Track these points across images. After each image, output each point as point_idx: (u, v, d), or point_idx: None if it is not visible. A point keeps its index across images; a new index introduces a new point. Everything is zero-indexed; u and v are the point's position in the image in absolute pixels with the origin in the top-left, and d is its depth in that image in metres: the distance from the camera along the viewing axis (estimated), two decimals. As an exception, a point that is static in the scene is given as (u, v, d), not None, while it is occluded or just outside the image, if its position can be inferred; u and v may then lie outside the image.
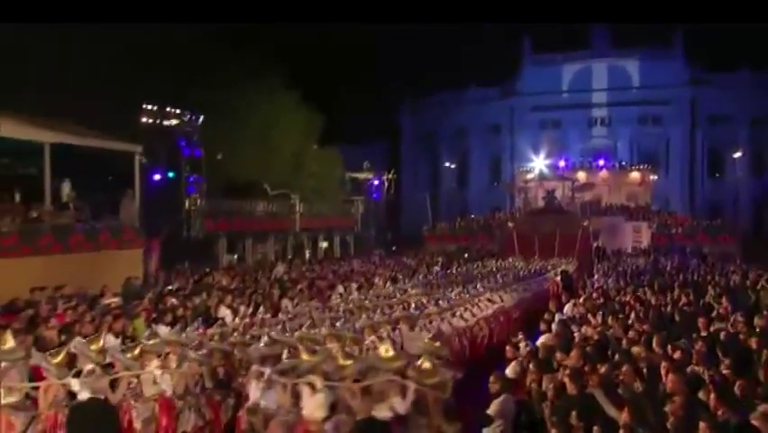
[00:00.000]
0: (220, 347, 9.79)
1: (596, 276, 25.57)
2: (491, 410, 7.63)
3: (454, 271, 25.12)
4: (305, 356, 7.91)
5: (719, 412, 6.56)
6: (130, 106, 28.07)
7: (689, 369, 8.49)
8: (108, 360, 8.34)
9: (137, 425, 8.37)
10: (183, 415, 8.89)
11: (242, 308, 16.32)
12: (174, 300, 16.00)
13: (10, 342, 8.66)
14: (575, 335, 11.50)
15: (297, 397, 7.63)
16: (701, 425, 6.14)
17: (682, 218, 49.70)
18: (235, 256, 33.29)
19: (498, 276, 21.60)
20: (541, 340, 11.99)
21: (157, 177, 29.47)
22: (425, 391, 7.41)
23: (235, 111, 33.00)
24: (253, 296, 17.86)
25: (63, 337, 12.05)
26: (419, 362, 7.90)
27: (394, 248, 44.15)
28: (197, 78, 31.28)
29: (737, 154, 55.72)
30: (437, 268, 29.07)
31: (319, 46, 50.19)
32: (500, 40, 57.63)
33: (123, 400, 8.28)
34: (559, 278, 24.81)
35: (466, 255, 35.21)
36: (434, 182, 63.72)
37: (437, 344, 9.52)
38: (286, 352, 8.51)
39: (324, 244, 41.71)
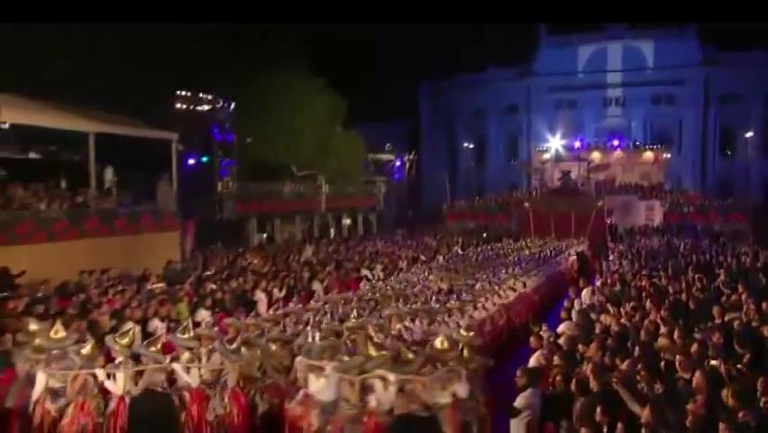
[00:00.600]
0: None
1: (611, 257, 25.29)
2: (518, 403, 7.80)
3: (474, 254, 25.09)
4: (372, 351, 8.02)
5: (740, 415, 6.53)
6: (164, 94, 28.32)
7: (707, 364, 8.45)
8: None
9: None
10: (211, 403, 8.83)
11: (276, 291, 16.72)
12: (212, 285, 16.24)
13: (61, 331, 9.02)
14: (595, 325, 11.48)
15: (364, 391, 7.76)
16: (721, 426, 6.18)
17: (694, 197, 49.41)
18: (265, 235, 33.66)
19: (519, 262, 21.40)
20: (561, 328, 12.10)
21: (191, 161, 29.84)
22: (473, 376, 8.19)
23: (264, 96, 33.05)
24: (286, 279, 18.08)
25: (114, 322, 12.45)
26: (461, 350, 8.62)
27: (415, 227, 44.10)
28: (228, 66, 31.39)
29: (749, 134, 55.34)
30: (457, 248, 29.24)
31: (340, 30, 49.86)
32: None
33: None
34: (575, 258, 24.91)
35: (485, 235, 35.21)
36: (453, 161, 63.37)
37: (472, 333, 9.95)
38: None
39: (348, 221, 42.00)
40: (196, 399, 8.47)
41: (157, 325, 12.66)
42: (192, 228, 25.05)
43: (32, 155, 21.69)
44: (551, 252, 25.67)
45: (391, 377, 7.59)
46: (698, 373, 7.64)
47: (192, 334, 9.04)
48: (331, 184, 38.16)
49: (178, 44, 28.30)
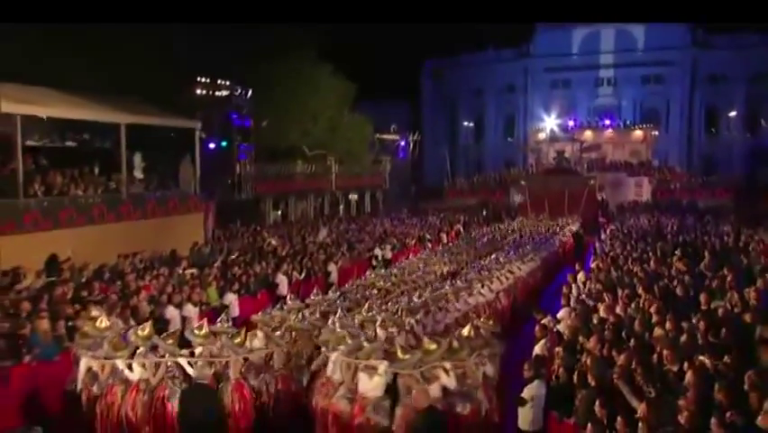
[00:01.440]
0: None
1: (603, 237, 25.44)
2: (525, 394, 8.07)
3: (477, 236, 25.22)
4: (430, 346, 8.36)
5: (727, 415, 6.56)
6: (186, 80, 28.34)
7: (696, 359, 8.47)
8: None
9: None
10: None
11: (295, 274, 17.12)
12: (237, 269, 16.55)
13: (105, 321, 9.32)
14: (593, 315, 11.58)
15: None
16: (713, 421, 6.34)
17: (681, 174, 49.64)
18: (279, 213, 33.95)
19: (517, 246, 21.36)
20: (561, 314, 12.39)
21: (212, 146, 30.01)
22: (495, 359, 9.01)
23: (279, 82, 33.10)
24: (304, 261, 18.44)
25: (152, 307, 12.79)
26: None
27: (419, 203, 44.22)
28: (245, 53, 31.36)
29: (732, 113, 55.40)
30: (459, 226, 29.56)
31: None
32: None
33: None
34: (570, 238, 25.09)
35: (485, 213, 35.46)
36: (453, 139, 63.34)
37: (491, 322, 10.60)
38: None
39: (354, 197, 42.27)
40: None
41: (191, 310, 13.00)
42: (213, 209, 25.32)
43: (68, 143, 21.78)
44: (546, 230, 25.80)
45: (447, 365, 8.01)
46: (689, 369, 7.81)
47: (207, 330, 9.07)
48: (340, 164, 38.33)
49: (196, 34, 28.32)
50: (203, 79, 29.98)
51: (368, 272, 16.66)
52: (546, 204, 33.45)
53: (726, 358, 8.64)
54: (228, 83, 31.24)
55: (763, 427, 6.46)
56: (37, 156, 19.06)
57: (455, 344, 8.50)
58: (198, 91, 29.60)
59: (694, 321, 10.73)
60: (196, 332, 8.95)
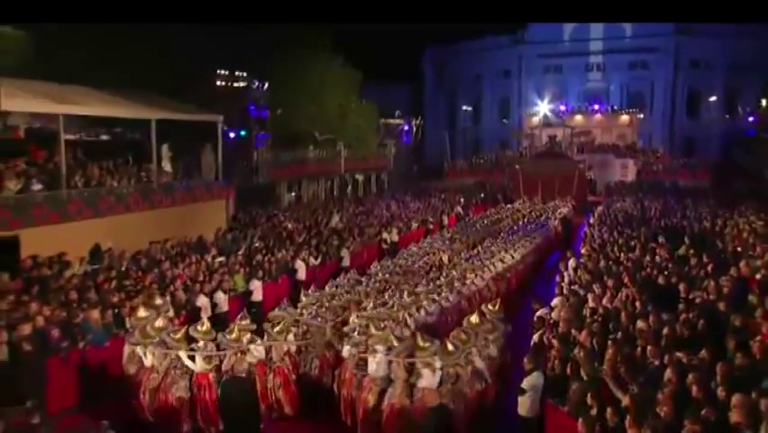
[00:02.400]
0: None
1: (592, 220, 25.32)
2: (525, 385, 8.39)
3: (474, 221, 25.06)
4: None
5: (703, 412, 6.72)
6: (207, 73, 28.41)
7: (674, 356, 8.50)
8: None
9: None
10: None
11: (311, 259, 17.38)
12: (260, 256, 16.79)
13: (160, 321, 9.62)
14: (584, 305, 11.64)
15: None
16: (687, 418, 6.51)
17: (664, 156, 49.76)
18: (293, 194, 34.25)
19: (510, 232, 21.06)
20: (555, 302, 12.57)
21: (232, 135, 30.19)
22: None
23: (293, 74, 33.17)
24: (319, 247, 18.72)
25: (187, 295, 13.19)
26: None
27: (421, 183, 44.29)
28: (261, 47, 31.39)
29: (712, 98, 55.30)
30: (459, 208, 29.83)
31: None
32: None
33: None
34: (558, 224, 25.05)
35: (482, 195, 35.65)
36: (453, 122, 62.96)
37: (497, 307, 11.22)
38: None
39: (360, 177, 42.40)
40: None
41: (221, 297, 13.37)
42: (233, 194, 25.58)
43: (103, 137, 21.96)
44: (539, 215, 25.73)
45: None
46: (668, 370, 7.88)
47: (236, 334, 9.29)
48: (348, 148, 38.49)
49: (216, 29, 28.27)
50: (222, 72, 30.10)
51: (373, 264, 16.20)
52: (539, 187, 33.64)
53: (702, 352, 8.65)
54: (245, 74, 31.34)
55: (734, 423, 6.64)
56: (75, 149, 19.27)
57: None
58: (218, 83, 29.73)
59: (678, 311, 10.77)
60: (198, 328, 9.27)
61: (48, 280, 13.07)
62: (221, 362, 9.01)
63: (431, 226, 25.07)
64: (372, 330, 9.31)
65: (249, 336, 9.36)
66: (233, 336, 9.11)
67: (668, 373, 7.77)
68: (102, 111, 18.85)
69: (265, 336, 9.73)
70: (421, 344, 8.66)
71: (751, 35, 51.21)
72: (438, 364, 8.33)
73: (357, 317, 10.40)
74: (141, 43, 23.91)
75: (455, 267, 15.20)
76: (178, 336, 9.10)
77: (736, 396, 6.98)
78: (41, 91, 17.16)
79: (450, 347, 8.62)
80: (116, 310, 11.46)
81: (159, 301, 10.76)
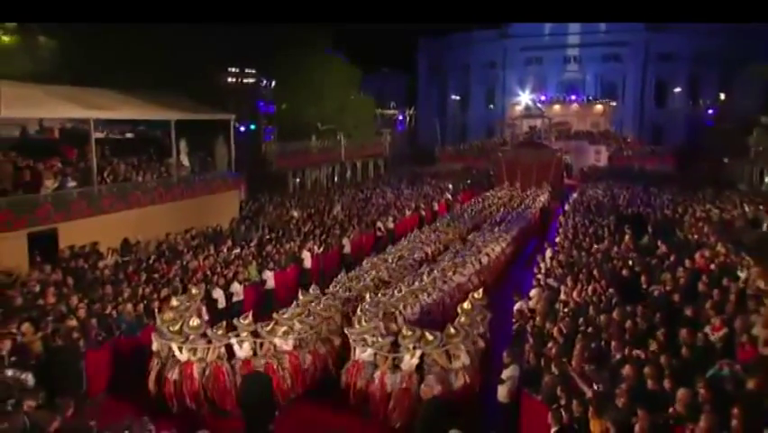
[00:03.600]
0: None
1: (567, 207, 25.17)
2: (504, 375, 8.75)
3: (458, 212, 24.64)
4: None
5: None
6: (220, 72, 28.34)
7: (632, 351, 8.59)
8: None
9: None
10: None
11: (316, 248, 17.38)
12: (270, 247, 16.92)
13: (195, 320, 9.92)
14: (558, 298, 11.58)
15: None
16: (640, 413, 6.61)
17: (633, 142, 50.00)
18: (298, 180, 34.42)
19: (493, 225, 20.60)
20: (533, 293, 12.55)
21: (242, 129, 30.22)
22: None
23: (297, 71, 33.13)
24: (323, 237, 18.80)
25: (207, 287, 13.38)
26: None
27: (414, 167, 44.34)
28: (268, 46, 31.29)
29: (677, 89, 55.42)
30: (448, 195, 30.02)
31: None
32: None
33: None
34: (537, 212, 24.92)
35: (469, 181, 35.77)
36: (443, 110, 62.92)
37: (481, 294, 11.69)
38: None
39: (359, 163, 42.33)
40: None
41: (237, 287, 13.57)
42: (244, 182, 25.71)
43: (128, 135, 22.06)
44: (519, 204, 25.59)
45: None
46: (627, 366, 7.95)
47: (198, 322, 9.84)
48: (348, 137, 38.54)
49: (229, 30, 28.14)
50: (233, 70, 30.07)
51: (364, 261, 15.54)
52: (519, 174, 33.80)
53: (653, 345, 8.70)
54: (254, 72, 31.31)
55: (677, 414, 6.84)
56: (103, 147, 19.38)
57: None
58: (230, 80, 29.71)
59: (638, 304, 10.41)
60: (191, 323, 9.69)
61: (84, 273, 13.34)
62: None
63: (423, 213, 25.22)
64: (363, 324, 9.77)
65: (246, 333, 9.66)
66: (221, 332, 9.52)
67: (626, 368, 7.88)
68: (128, 114, 19.01)
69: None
70: (404, 333, 9.27)
71: (710, 34, 51.17)
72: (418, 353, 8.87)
73: (360, 310, 10.68)
74: (161, 46, 23.86)
75: (437, 266, 14.71)
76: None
77: (681, 390, 7.13)
78: (74, 96, 17.28)
79: (429, 337, 9.12)
80: (146, 303, 11.72)
81: (174, 303, 10.89)
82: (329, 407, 9.60)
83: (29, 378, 8.32)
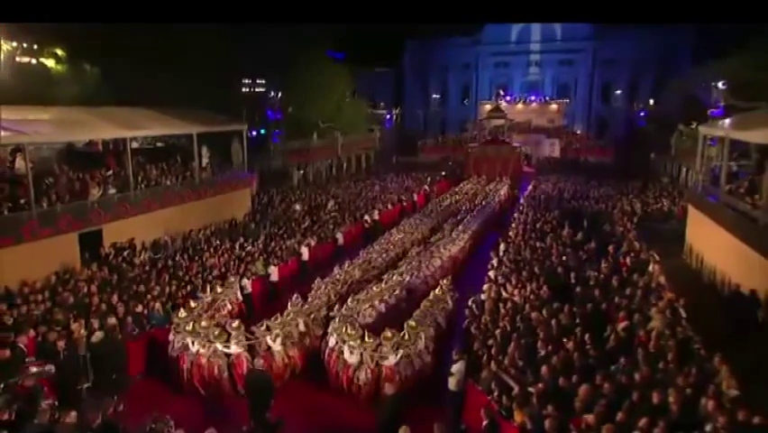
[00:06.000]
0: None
1: (522, 200, 24.48)
2: (453, 369, 8.91)
3: (433, 206, 23.94)
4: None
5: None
6: (232, 81, 28.02)
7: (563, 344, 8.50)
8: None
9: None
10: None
11: (312, 242, 17.29)
12: (274, 244, 16.89)
13: (205, 321, 10.16)
14: (502, 296, 11.02)
15: None
16: (550, 410, 6.70)
17: (581, 136, 50.13)
18: (301, 172, 34.41)
19: (457, 224, 19.39)
20: (485, 288, 11.94)
21: (254, 133, 30.11)
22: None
23: (303, 77, 32.80)
24: (318, 231, 18.77)
25: (221, 283, 13.26)
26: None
27: (399, 158, 44.15)
28: (276, 58, 30.99)
29: (618, 91, 55.34)
30: (426, 187, 30.06)
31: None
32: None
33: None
34: (498, 206, 24.52)
35: (444, 173, 35.65)
36: (425, 106, 62.45)
37: (448, 281, 12.02)
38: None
39: (353, 157, 42.12)
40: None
41: (246, 282, 13.55)
42: (256, 178, 25.89)
43: (159, 144, 22.02)
44: (484, 197, 25.08)
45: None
46: (543, 367, 7.85)
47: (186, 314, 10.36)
48: (344, 135, 38.37)
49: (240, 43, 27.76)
50: (246, 80, 29.87)
51: (336, 268, 14.37)
52: (485, 167, 33.84)
53: (569, 343, 8.59)
54: (264, 82, 31.15)
55: (578, 409, 6.85)
56: (137, 156, 19.42)
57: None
58: (243, 89, 29.53)
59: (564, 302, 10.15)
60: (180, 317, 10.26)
61: (123, 271, 13.59)
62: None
63: (405, 204, 25.11)
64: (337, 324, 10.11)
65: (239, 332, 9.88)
66: (218, 332, 9.76)
67: (543, 368, 7.89)
68: (158, 131, 19.12)
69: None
70: (387, 334, 9.49)
71: (645, 40, 50.75)
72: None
73: (337, 310, 10.87)
74: (186, 62, 23.62)
75: (397, 271, 13.78)
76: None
77: (583, 386, 7.20)
78: (113, 117, 17.31)
79: (406, 336, 9.59)
80: (172, 299, 12.01)
81: (193, 304, 11.11)
82: (314, 387, 9.99)
83: (51, 368, 8.58)
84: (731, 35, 26.56)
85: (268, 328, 10.00)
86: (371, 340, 9.39)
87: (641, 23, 45.14)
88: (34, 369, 8.39)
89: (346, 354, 9.51)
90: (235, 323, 9.95)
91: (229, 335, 9.68)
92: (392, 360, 9.27)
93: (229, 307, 11.92)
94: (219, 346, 9.47)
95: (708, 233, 15.99)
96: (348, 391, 9.52)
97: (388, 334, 9.56)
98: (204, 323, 9.92)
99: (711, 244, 15.86)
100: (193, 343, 9.67)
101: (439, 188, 30.25)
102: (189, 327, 9.77)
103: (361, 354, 9.38)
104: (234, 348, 9.54)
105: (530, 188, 28.94)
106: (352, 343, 9.39)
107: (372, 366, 9.35)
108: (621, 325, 9.63)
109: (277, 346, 9.73)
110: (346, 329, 9.64)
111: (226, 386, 9.49)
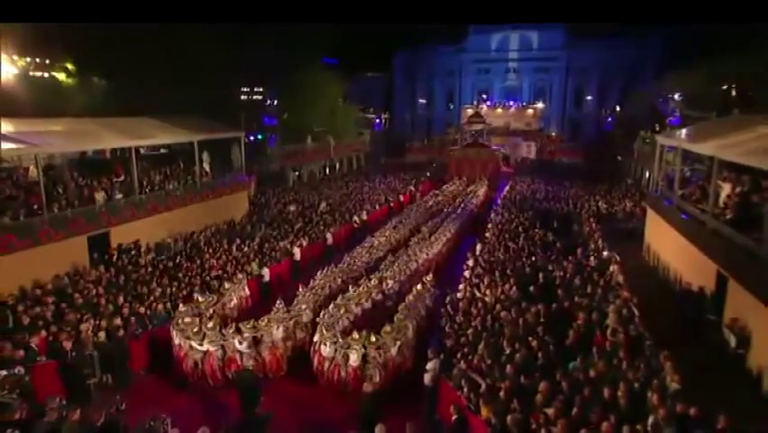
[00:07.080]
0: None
1: (499, 201, 24.33)
2: (428, 367, 8.93)
3: (416, 207, 23.52)
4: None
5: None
6: (231, 89, 27.85)
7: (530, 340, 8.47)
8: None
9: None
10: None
11: (304, 242, 17.10)
12: (268, 245, 16.69)
13: (210, 322, 10.21)
14: (475, 296, 10.81)
15: None
16: (514, 406, 6.75)
17: (555, 139, 50.33)
18: (297, 173, 34.30)
19: (435, 228, 18.81)
20: (461, 288, 11.83)
21: (252, 138, 29.92)
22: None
23: (297, 84, 32.61)
24: (310, 232, 18.58)
25: (218, 283, 13.16)
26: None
27: (388, 159, 44.11)
28: (273, 69, 30.81)
29: (589, 97, 55.59)
30: (411, 187, 30.01)
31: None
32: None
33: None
34: (476, 208, 24.06)
35: (428, 174, 35.59)
36: (413, 110, 62.29)
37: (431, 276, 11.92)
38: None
39: (344, 158, 42.05)
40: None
41: (241, 280, 13.44)
42: (253, 180, 25.76)
43: (162, 150, 21.85)
44: (463, 199, 24.70)
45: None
46: (520, 352, 7.96)
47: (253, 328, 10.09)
48: (336, 139, 38.22)
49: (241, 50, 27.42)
50: (244, 88, 29.68)
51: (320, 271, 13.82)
52: (465, 170, 33.84)
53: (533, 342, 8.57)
54: (261, 90, 30.98)
55: (538, 405, 6.85)
56: (142, 162, 19.36)
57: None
58: (242, 97, 29.35)
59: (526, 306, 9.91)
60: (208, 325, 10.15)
61: (128, 272, 13.57)
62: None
63: (392, 205, 24.97)
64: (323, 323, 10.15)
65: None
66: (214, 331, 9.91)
67: (508, 367, 7.88)
68: (162, 139, 18.86)
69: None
70: (387, 329, 9.71)
71: (613, 49, 50.82)
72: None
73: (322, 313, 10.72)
74: (189, 72, 23.40)
75: (376, 274, 13.42)
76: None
77: (542, 383, 7.23)
78: (120, 127, 17.16)
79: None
80: (172, 300, 12.00)
81: (200, 299, 11.23)
82: (303, 382, 9.97)
83: (21, 370, 8.41)
84: (694, 49, 26.73)
85: (238, 331, 9.93)
86: (375, 339, 9.48)
87: (624, 23, 45.11)
88: (4, 372, 8.15)
89: (352, 358, 9.42)
90: (210, 323, 10.01)
91: (204, 334, 9.80)
92: (393, 351, 9.50)
93: (235, 301, 12.03)
94: (193, 343, 9.57)
95: (664, 234, 16.20)
96: (353, 390, 9.30)
97: (388, 328, 9.73)
98: (187, 319, 10.08)
99: (666, 245, 16.06)
100: (176, 337, 9.86)
101: (424, 189, 30.10)
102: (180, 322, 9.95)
103: (364, 355, 9.43)
104: (206, 346, 9.62)
105: (507, 188, 28.83)
106: (356, 347, 9.38)
107: (381, 361, 9.36)
108: (580, 323, 9.64)
109: (244, 349, 9.72)
110: (351, 336, 9.67)
111: (203, 379, 9.67)
